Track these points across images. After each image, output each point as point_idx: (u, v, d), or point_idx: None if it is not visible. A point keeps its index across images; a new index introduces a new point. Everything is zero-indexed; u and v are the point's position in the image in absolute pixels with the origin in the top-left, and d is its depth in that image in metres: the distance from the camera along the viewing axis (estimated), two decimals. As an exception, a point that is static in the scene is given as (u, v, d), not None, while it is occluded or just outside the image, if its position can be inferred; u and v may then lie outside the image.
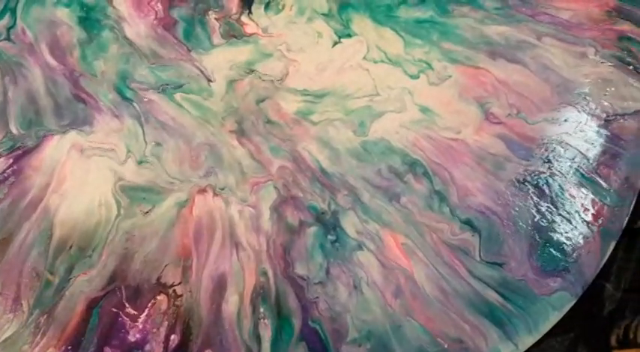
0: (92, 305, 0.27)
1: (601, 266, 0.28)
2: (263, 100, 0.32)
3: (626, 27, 0.31)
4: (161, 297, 0.27)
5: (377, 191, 0.30)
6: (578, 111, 0.30)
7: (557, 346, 0.34)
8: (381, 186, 0.30)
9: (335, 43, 0.32)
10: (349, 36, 0.32)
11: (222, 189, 0.30)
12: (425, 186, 0.30)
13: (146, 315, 0.27)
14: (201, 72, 0.32)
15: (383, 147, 0.30)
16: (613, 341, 0.34)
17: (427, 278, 0.28)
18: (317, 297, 0.28)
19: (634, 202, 0.29)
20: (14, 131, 0.29)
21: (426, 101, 0.31)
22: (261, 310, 0.28)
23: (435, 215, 0.29)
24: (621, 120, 0.30)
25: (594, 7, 0.31)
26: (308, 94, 0.32)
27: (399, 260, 0.29)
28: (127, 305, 0.27)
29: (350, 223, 0.30)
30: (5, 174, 0.28)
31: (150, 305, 0.27)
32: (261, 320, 0.27)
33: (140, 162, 0.30)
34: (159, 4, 0.32)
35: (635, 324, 0.34)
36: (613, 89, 0.30)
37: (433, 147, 0.30)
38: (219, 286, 0.28)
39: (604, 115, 0.30)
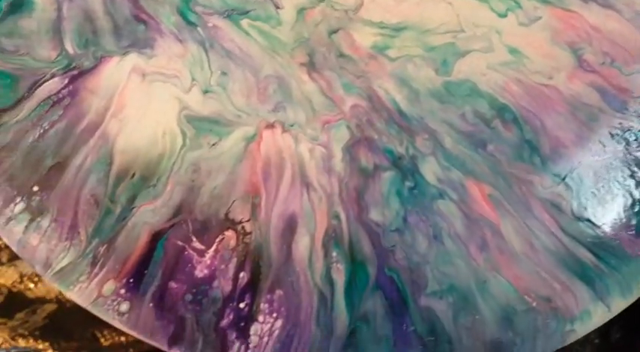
0: (157, 237, 0.28)
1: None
2: (335, 32, 0.32)
3: None
4: (229, 233, 0.28)
5: (461, 136, 0.30)
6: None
7: None
8: (465, 132, 0.31)
9: (416, -27, 0.32)
10: (431, -35, 0.32)
11: (292, 126, 0.31)
12: (514, 134, 0.30)
13: (214, 251, 0.28)
14: (270, -2, 0.32)
15: (468, 89, 0.31)
16: None
17: (515, 232, 0.29)
18: (394, 245, 0.29)
19: None
20: (70, 50, 0.30)
21: (515, 42, 0.31)
22: (334, 254, 0.29)
23: (526, 165, 0.30)
24: None
25: None
26: (384, 27, 0.32)
27: (484, 212, 0.29)
28: (194, 239, 0.28)
29: (430, 170, 0.30)
30: (60, 95, 0.29)
31: (218, 240, 0.28)
32: (334, 265, 0.28)
33: (205, 92, 0.30)
34: None
35: None
36: None
37: (523, 92, 0.31)
38: (290, 226, 0.29)
39: None
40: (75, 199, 0.28)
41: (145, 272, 0.27)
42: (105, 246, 0.28)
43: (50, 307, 0.58)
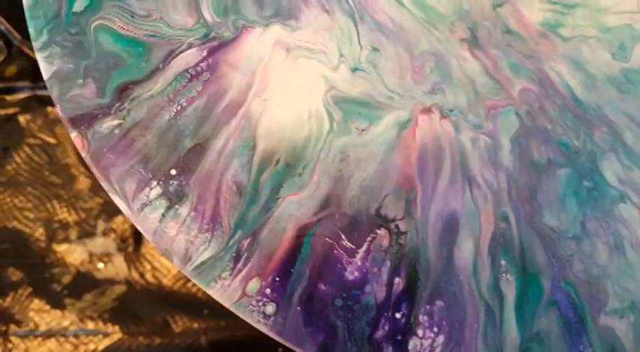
0: (303, 232, 0.26)
1: None
2: (501, 5, 0.30)
3: None
4: (382, 232, 0.26)
5: (650, 130, 0.28)
6: None
7: None
8: (656, 125, 0.28)
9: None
10: None
11: (451, 111, 0.28)
12: None
13: (365, 251, 0.26)
14: (426, -36, 0.30)
15: (659, 75, 0.28)
16: None
17: None
18: (571, 255, 0.27)
19: None
20: (208, 17, 0.29)
21: None
22: (502, 262, 0.26)
23: None
24: None
25: None
26: (556, 2, 0.30)
27: (680, 219, 0.27)
28: (343, 236, 0.26)
29: (610, 168, 0.28)
30: (198, 68, 0.28)
31: (369, 239, 0.26)
32: (503, 275, 0.26)
33: (354, 70, 0.29)
34: None
35: None
36: None
37: None
38: (450, 227, 0.27)
39: None
40: (216, 186, 0.27)
41: (292, 270, 0.26)
42: (249, 240, 0.26)
43: (119, 289, 0.59)
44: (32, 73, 0.64)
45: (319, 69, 0.28)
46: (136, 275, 0.60)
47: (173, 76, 0.28)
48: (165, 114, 0.27)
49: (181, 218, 0.26)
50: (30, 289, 0.58)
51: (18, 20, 0.64)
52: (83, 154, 0.26)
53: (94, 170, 0.26)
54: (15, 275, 0.59)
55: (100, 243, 0.61)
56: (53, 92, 0.27)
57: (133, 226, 0.59)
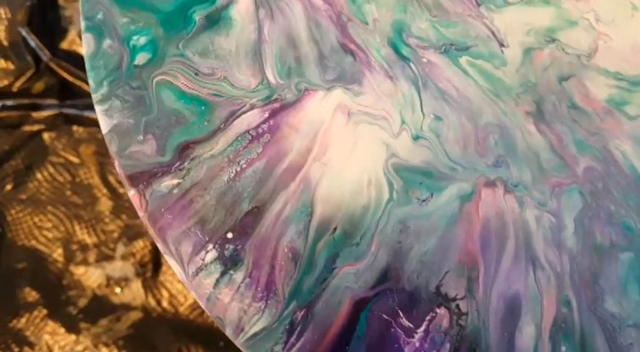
0: (360, 306, 0.25)
1: None
2: (567, 79, 0.29)
3: None
4: (441, 311, 0.26)
5: None
6: None
7: None
8: None
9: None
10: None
11: (516, 186, 0.28)
12: None
13: (424, 331, 0.25)
14: (492, 33, 0.30)
15: None
16: None
17: None
18: (631, 343, 0.26)
19: None
20: (271, 79, 0.28)
21: None
22: (563, 349, 0.26)
23: None
24: None
25: None
26: (622, 79, 0.29)
27: None
28: (402, 313, 0.25)
29: (675, 255, 0.27)
30: (260, 130, 0.27)
31: (428, 318, 0.25)
32: (564, 363, 0.25)
33: (416, 138, 0.28)
34: (444, -58, 0.30)
35: None
36: None
37: None
38: (512, 310, 0.26)
39: None
40: (272, 252, 0.26)
41: (347, 348, 0.25)
42: (303, 311, 0.25)
43: (135, 315, 0.58)
44: (59, 90, 0.64)
45: (380, 135, 0.28)
46: (152, 302, 0.59)
47: (234, 136, 0.27)
48: (225, 176, 0.27)
49: (236, 284, 0.26)
50: (45, 311, 0.58)
51: (48, 37, 0.64)
52: (140, 214, 0.26)
53: (150, 231, 0.25)
54: (31, 295, 0.58)
55: (118, 267, 0.60)
56: (112, 147, 0.26)
57: (152, 251, 0.58)
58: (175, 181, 0.26)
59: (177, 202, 0.26)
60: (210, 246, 0.26)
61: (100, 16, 0.28)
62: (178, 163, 0.27)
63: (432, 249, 0.26)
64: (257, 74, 0.28)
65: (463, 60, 0.29)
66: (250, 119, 0.27)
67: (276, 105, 0.28)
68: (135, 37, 0.28)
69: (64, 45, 0.66)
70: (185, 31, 0.28)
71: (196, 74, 0.28)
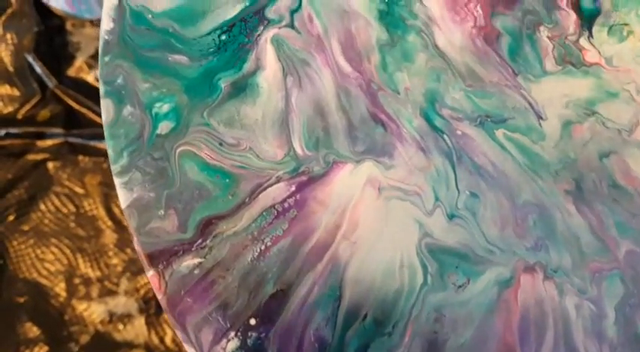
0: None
1: None
2: (607, 155, 0.28)
3: None
4: (478, 410, 0.24)
5: None
6: None
7: None
8: None
9: None
10: None
11: (556, 272, 0.26)
12: None
13: None
14: (530, 105, 0.28)
15: None
16: None
17: None
18: None
19: None
20: (298, 150, 0.27)
21: None
22: None
23: None
24: None
25: None
26: (666, 156, 0.28)
27: None
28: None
29: None
30: (286, 205, 0.26)
31: None
32: None
33: (451, 217, 0.27)
34: (479, 8, 0.29)
35: None
36: None
37: None
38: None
39: None
40: (298, 341, 0.24)
41: None
42: (331, 408, 0.24)
43: None
44: (65, 118, 0.62)
45: (413, 212, 0.26)
46: (155, 340, 0.57)
47: (259, 211, 0.26)
48: (248, 255, 0.25)
49: (260, 378, 0.24)
50: (46, 348, 0.56)
51: (54, 63, 0.63)
52: (159, 296, 0.24)
53: (169, 316, 0.24)
54: (32, 331, 0.56)
55: (121, 303, 0.59)
56: (131, 222, 0.25)
57: (156, 287, 0.56)
58: (197, 261, 0.25)
59: (198, 284, 0.25)
60: (232, 333, 0.24)
61: (120, 80, 0.27)
62: (200, 241, 0.25)
63: (469, 341, 0.25)
64: (284, 145, 0.27)
65: (499, 133, 0.28)
66: (276, 193, 0.26)
67: (304, 178, 0.26)
68: (157, 105, 0.26)
69: (71, 72, 0.65)
70: (210, 98, 0.27)
71: (221, 144, 0.26)
